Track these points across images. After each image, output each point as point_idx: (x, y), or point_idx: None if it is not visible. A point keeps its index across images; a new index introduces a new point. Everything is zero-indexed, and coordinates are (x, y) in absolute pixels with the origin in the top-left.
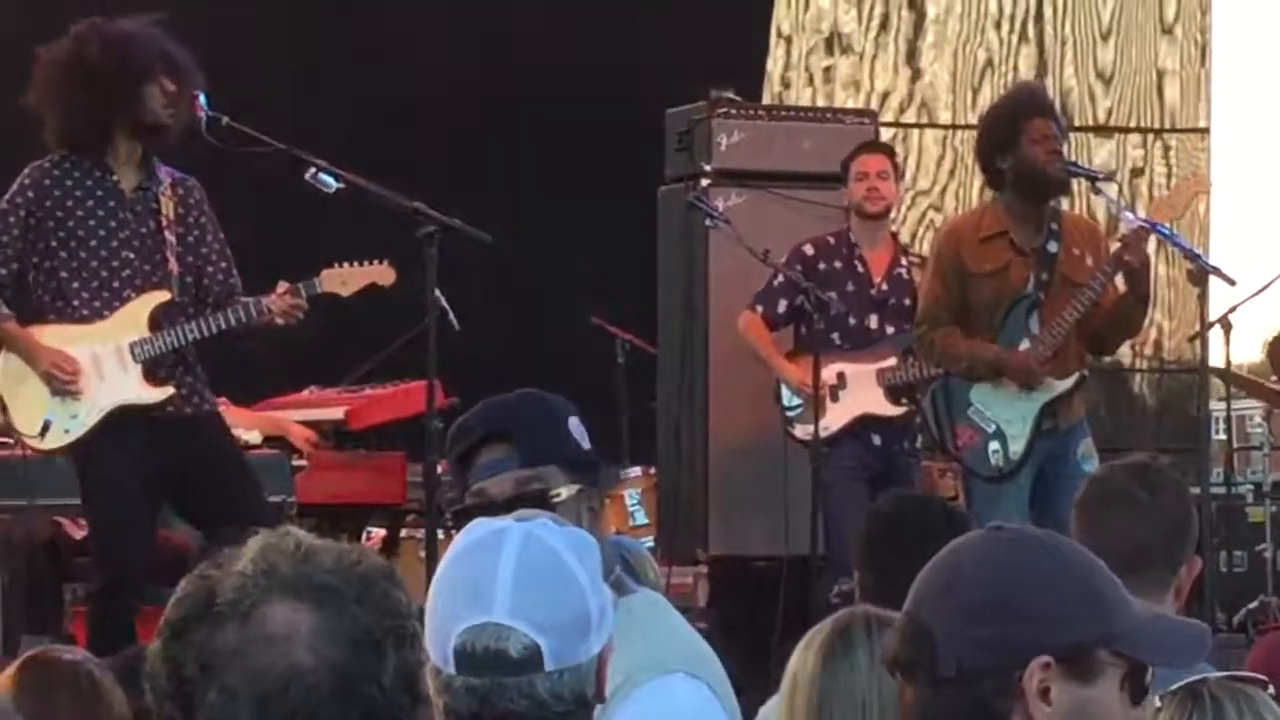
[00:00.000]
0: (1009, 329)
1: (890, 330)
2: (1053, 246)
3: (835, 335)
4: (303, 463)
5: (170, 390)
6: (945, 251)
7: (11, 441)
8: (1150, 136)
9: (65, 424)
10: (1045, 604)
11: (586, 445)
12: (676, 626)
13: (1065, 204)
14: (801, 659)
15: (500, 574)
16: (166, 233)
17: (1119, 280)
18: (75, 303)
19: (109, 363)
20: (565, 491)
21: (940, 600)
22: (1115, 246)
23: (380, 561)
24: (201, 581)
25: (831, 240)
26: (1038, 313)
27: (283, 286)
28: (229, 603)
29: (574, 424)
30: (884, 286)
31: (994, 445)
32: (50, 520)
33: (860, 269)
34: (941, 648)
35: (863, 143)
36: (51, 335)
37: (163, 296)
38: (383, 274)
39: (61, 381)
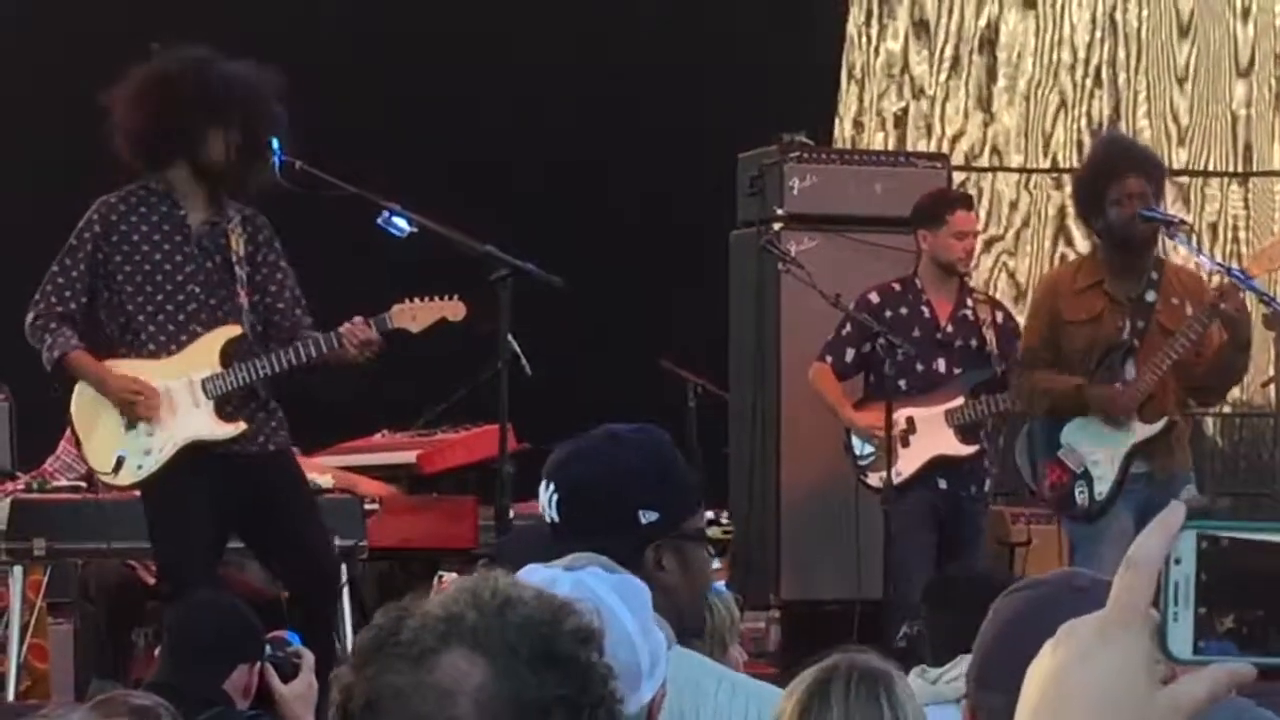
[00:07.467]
0: (1104, 375)
1: (957, 371)
2: (1150, 296)
3: (902, 381)
4: (375, 506)
5: (242, 426)
6: (1043, 300)
7: (84, 484)
8: (1226, 180)
9: (139, 459)
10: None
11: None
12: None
13: None
14: (781, 709)
15: None
16: (236, 268)
17: (1216, 328)
18: (143, 336)
19: (181, 398)
20: None
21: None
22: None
23: (587, 625)
24: (393, 616)
25: (897, 286)
26: (1133, 359)
27: (358, 319)
28: (406, 642)
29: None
30: (949, 329)
31: (1080, 485)
32: (123, 564)
33: (927, 314)
34: None
35: (958, 196)
36: (124, 370)
37: (235, 331)
38: (453, 309)
39: (135, 406)
